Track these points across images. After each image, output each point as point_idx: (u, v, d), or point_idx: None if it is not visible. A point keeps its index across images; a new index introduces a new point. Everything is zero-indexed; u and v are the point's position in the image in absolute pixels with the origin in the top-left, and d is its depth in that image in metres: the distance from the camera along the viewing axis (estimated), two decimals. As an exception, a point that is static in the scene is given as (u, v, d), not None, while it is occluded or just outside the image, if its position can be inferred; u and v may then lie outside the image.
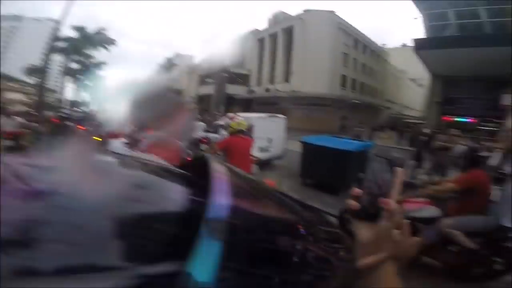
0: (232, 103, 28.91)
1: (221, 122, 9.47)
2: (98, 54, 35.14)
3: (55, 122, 8.87)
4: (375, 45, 33.74)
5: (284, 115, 8.87)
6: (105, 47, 32.53)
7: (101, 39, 32.25)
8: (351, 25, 28.95)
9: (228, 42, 35.63)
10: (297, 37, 26.21)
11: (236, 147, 3.28)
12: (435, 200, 2.90)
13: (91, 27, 31.95)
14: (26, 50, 72.37)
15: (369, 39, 32.04)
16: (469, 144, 6.13)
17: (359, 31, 30.45)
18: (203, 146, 7.54)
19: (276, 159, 7.81)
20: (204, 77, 32.54)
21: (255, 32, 31.68)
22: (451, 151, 5.54)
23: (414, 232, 0.39)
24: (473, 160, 2.88)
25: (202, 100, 32.57)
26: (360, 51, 30.39)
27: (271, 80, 28.52)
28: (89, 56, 34.17)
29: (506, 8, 14.25)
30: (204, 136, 8.21)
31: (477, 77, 16.26)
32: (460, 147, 5.58)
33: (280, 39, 27.80)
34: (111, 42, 32.78)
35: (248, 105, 28.82)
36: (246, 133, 3.67)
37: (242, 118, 3.58)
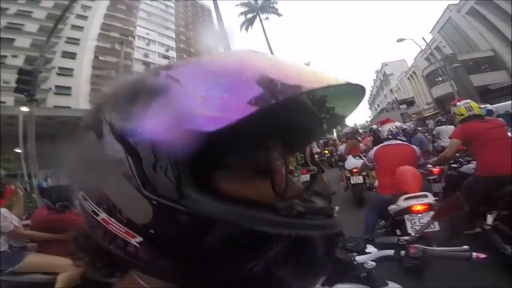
0: (490, 96, 21.09)
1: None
2: None
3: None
4: None
5: None
6: None
7: None
8: None
9: (431, 32, 27.47)
10: None
11: (481, 132, 2.55)
12: None
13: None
14: None
15: None
16: None
17: None
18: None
19: None
20: (431, 76, 26.69)
21: (454, 7, 24.10)
22: None
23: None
24: None
25: (442, 103, 26.72)
26: None
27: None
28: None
29: None
30: None
31: None
32: None
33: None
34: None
35: (517, 92, 19.64)
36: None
37: (468, 100, 2.82)
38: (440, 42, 27.93)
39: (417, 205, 2.30)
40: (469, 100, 2.83)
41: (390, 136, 2.95)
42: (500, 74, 21.71)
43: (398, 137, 2.95)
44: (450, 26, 26.32)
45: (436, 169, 3.61)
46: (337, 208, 5.13)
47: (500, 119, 3.01)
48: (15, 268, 1.88)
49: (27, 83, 6.32)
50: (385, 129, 3.02)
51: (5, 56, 22.86)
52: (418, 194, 2.34)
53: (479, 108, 2.81)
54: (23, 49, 23.72)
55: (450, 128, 6.72)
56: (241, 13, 28.03)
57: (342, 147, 5.90)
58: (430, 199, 2.34)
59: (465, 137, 2.64)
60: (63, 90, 25.54)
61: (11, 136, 13.80)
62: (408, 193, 2.35)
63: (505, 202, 2.32)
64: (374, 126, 9.48)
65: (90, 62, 28.47)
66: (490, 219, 2.39)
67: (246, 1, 27.83)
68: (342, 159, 5.60)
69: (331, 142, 13.35)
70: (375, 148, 3.11)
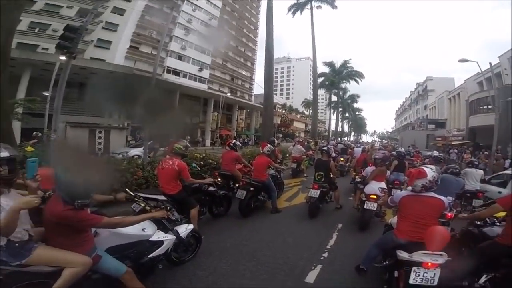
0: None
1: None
2: (351, 87, 38.61)
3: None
4: None
5: None
6: (355, 80, 35.50)
7: (349, 73, 35.30)
8: None
9: (500, 56, 24.70)
10: None
11: None
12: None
13: (338, 62, 35.34)
14: (299, 86, 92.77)
15: None
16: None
17: None
18: (477, 202, 5.73)
19: None
20: (476, 103, 24.96)
21: None
22: None
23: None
24: None
25: (476, 134, 25.24)
26: None
27: None
28: (344, 90, 39.06)
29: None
30: (481, 189, 6.26)
31: None
32: None
33: None
34: (359, 75, 35.24)
35: None
36: None
37: None
38: (505, 69, 25.23)
39: (431, 262, 2.35)
40: None
41: (424, 190, 2.82)
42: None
43: (432, 189, 2.84)
44: (527, 55, 23.34)
45: (449, 214, 3.57)
46: (340, 225, 5.15)
47: None
48: (23, 262, 1.82)
49: (70, 40, 6.33)
50: (419, 184, 2.81)
51: (61, 6, 23.40)
52: (436, 252, 2.36)
53: None
54: (79, 0, 23.99)
55: (479, 172, 6.47)
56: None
57: (369, 169, 5.73)
58: (444, 259, 2.34)
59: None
60: (103, 44, 26.55)
61: (43, 81, 14.69)
62: (427, 250, 2.39)
63: (508, 270, 2.41)
64: (402, 150, 9.05)
65: (136, 20, 29.13)
66: (483, 279, 2.49)
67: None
68: (364, 182, 5.50)
69: (349, 150, 13.00)
70: (403, 193, 3.02)
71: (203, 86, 34.51)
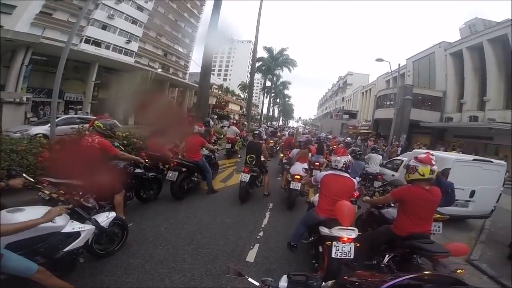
0: (417, 132, 24.69)
1: (402, 157, 8.43)
2: (284, 74, 40.03)
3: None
4: None
5: (503, 156, 6.35)
6: (289, 68, 37.31)
7: (284, 60, 36.52)
8: None
9: (407, 59, 30.32)
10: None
11: (414, 200, 2.68)
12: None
13: (276, 48, 36.22)
14: (238, 68, 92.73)
15: None
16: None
17: None
18: (377, 183, 6.96)
19: (477, 217, 5.91)
20: (382, 98, 29.74)
21: (445, 45, 25.50)
22: None
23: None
24: None
25: (379, 125, 30.15)
26: None
27: (480, 106, 21.44)
28: (278, 76, 40.90)
29: None
30: (380, 172, 7.47)
31: None
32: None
33: (489, 52, 20.31)
34: (293, 63, 37.31)
35: (439, 135, 23.46)
36: (436, 182, 2.87)
37: (434, 160, 2.76)
38: (408, 71, 30.23)
39: (346, 237, 2.73)
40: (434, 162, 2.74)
41: (343, 169, 3.28)
42: (434, 115, 24.99)
43: (348, 171, 3.33)
44: (427, 60, 28.08)
45: (355, 193, 4.04)
46: (271, 205, 5.54)
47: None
48: None
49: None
50: (342, 161, 3.29)
51: None
52: (349, 228, 2.75)
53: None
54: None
55: (379, 157, 7.70)
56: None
57: (295, 151, 6.18)
58: (356, 233, 2.76)
59: (401, 198, 2.83)
60: (3, 8, 20.68)
61: None
62: (341, 225, 2.75)
63: (403, 251, 2.81)
64: (322, 135, 10.40)
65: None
66: (387, 258, 2.89)
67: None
68: (290, 163, 5.96)
69: (278, 134, 13.85)
70: (324, 173, 3.41)
71: (129, 59, 30.57)
